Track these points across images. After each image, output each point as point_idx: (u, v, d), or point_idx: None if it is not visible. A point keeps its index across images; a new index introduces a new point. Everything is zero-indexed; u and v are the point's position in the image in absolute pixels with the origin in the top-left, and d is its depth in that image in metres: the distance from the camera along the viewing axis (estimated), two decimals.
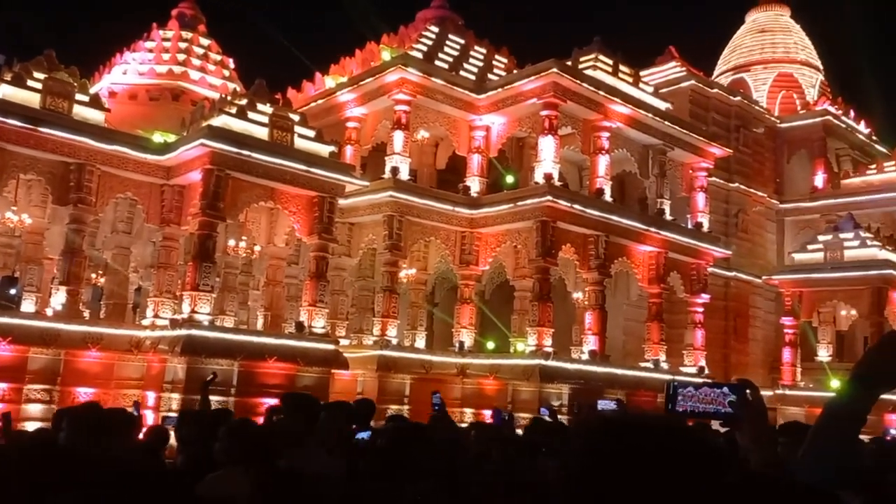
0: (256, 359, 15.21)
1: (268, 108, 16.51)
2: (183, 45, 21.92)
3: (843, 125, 30.09)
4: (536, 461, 4.87)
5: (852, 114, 31.06)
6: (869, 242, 24.12)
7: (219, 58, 22.51)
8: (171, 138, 16.72)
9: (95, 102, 16.25)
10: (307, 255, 17.49)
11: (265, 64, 24.03)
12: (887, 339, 1.82)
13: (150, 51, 21.78)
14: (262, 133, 16.04)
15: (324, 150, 16.93)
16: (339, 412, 4.59)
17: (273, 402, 15.01)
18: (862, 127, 31.36)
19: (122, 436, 3.26)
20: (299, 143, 16.49)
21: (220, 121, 15.69)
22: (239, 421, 4.22)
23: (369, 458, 2.92)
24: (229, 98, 17.04)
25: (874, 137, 31.81)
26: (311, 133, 16.93)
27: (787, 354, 25.07)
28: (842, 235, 24.52)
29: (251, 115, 16.10)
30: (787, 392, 24.23)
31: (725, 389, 2.00)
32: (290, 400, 4.52)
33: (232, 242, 17.37)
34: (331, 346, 16.51)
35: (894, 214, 26.68)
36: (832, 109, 29.80)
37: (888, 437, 7.66)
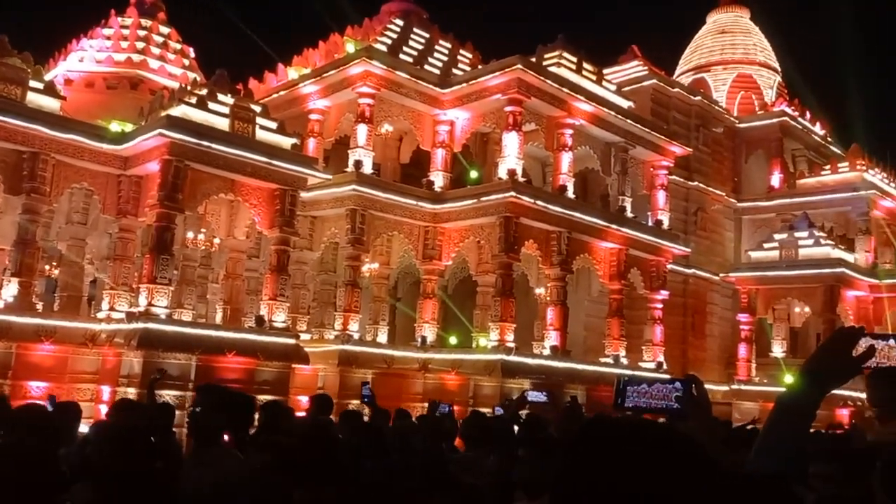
0: (215, 353, 15.01)
1: (229, 99, 16.26)
2: (142, 32, 21.48)
3: (800, 126, 30.75)
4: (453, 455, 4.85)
5: (808, 115, 31.76)
6: (822, 241, 24.72)
7: (179, 46, 22.12)
8: (129, 128, 16.37)
9: (50, 90, 15.83)
10: (268, 248, 17.29)
11: (226, 54, 23.71)
12: (837, 336, 1.86)
13: (108, 38, 21.30)
14: (223, 124, 15.80)
15: (286, 142, 16.74)
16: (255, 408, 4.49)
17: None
18: (817, 128, 32.08)
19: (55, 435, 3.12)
20: (261, 135, 16.28)
21: (179, 111, 15.41)
22: (121, 428, 3.65)
23: (276, 459, 2.83)
24: (189, 88, 16.75)
25: (829, 139, 32.57)
26: (273, 125, 16.73)
27: (742, 350, 25.60)
28: (797, 234, 25.10)
29: (211, 105, 15.83)
30: (742, 387, 24.75)
31: (677, 384, 2.03)
32: (208, 395, 3.78)
33: (191, 235, 17.11)
34: (291, 341, 16.37)
35: (847, 214, 27.35)
36: (789, 111, 30.43)
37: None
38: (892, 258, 27.36)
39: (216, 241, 17.77)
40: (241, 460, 3.31)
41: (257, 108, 16.74)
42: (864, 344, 1.96)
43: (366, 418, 6.82)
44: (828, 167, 29.07)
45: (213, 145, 15.36)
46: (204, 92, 16.12)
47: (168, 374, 14.21)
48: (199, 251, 17.71)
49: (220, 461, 3.19)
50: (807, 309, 25.27)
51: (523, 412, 6.74)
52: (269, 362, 15.66)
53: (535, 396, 6.33)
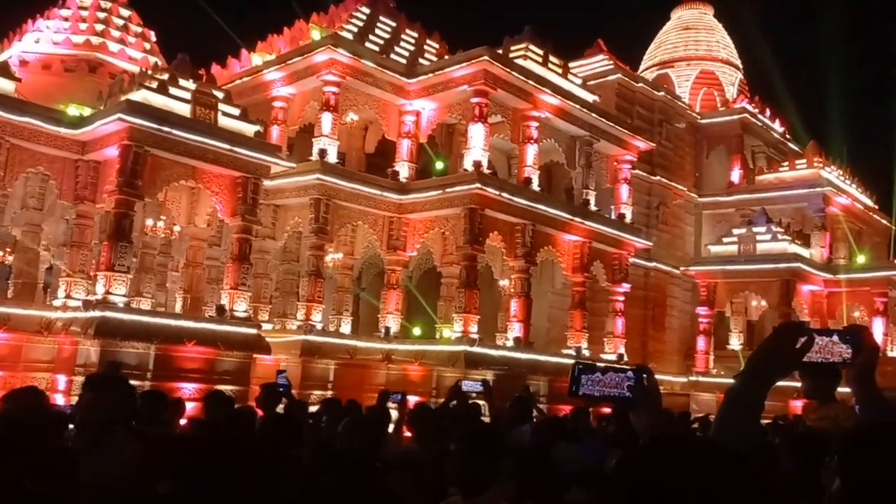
0: (174, 342, 14.78)
1: (190, 84, 15.97)
2: (101, 14, 20.96)
3: (760, 123, 31.32)
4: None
5: (768, 112, 32.35)
6: (780, 236, 25.24)
7: (139, 29, 21.65)
8: (87, 112, 15.99)
9: (4, 71, 15.40)
10: (229, 236, 17.07)
11: (188, 38, 23.22)
12: (780, 331, 1.92)
13: (66, 19, 20.75)
14: (184, 109, 15.52)
15: (249, 129, 16.51)
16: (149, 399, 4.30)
17: (192, 386, 14.74)
18: (777, 125, 32.71)
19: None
20: (223, 122, 16.03)
21: (139, 95, 15.09)
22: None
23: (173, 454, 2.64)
24: (150, 72, 16.40)
25: (787, 136, 33.24)
26: (236, 111, 16.49)
27: (701, 343, 26.06)
28: (755, 229, 25.58)
29: (173, 90, 15.54)
30: (700, 379, 25.20)
31: (629, 374, 2.05)
32: (98, 380, 3.44)
33: (150, 222, 16.83)
34: (253, 331, 16.20)
35: (804, 210, 27.97)
36: (749, 108, 30.97)
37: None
38: (847, 254, 28.10)
39: (176, 228, 17.49)
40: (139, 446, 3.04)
41: (220, 94, 16.47)
42: (817, 341, 2.04)
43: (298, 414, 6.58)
44: (786, 164, 29.69)
45: (174, 131, 15.08)
46: (165, 77, 15.82)
47: (126, 363, 14.04)
48: (158, 239, 17.43)
49: (123, 447, 2.98)
50: (763, 303, 25.80)
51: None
52: (229, 352, 15.48)
53: (471, 386, 6.17)
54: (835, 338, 2.09)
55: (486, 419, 6.78)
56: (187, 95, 15.67)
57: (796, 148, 32.02)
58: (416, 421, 5.32)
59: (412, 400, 8.45)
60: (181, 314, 16.67)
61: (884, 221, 32.13)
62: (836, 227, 28.14)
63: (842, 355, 2.06)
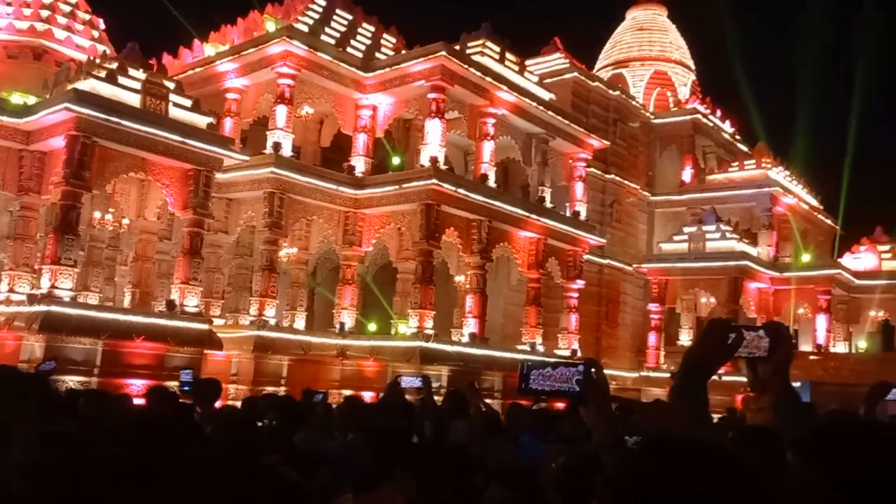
0: (123, 338, 14.44)
1: (140, 74, 15.59)
2: (47, 0, 20.29)
3: (711, 124, 31.94)
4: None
5: (719, 113, 33.02)
6: (728, 235, 25.81)
7: (87, 17, 21.01)
8: (32, 100, 15.49)
9: None
10: (180, 230, 16.73)
11: (139, 26, 22.69)
12: (710, 328, 1.99)
13: (9, 3, 20.00)
14: (134, 100, 15.15)
15: (201, 120, 16.20)
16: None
17: (141, 382, 14.41)
18: (727, 126, 33.41)
19: None
20: (174, 113, 15.69)
21: (87, 84, 14.68)
22: None
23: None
24: (98, 61, 15.96)
25: (737, 137, 33.99)
26: (188, 102, 16.15)
27: (652, 339, 26.53)
28: (705, 228, 26.12)
29: (122, 80, 15.16)
30: (651, 374, 25.65)
31: (579, 368, 2.06)
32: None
33: (98, 214, 16.41)
34: (204, 326, 15.91)
35: (752, 210, 28.64)
36: (701, 108, 31.56)
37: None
38: (793, 252, 28.88)
39: (125, 221, 17.08)
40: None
41: (171, 85, 16.12)
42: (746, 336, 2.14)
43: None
44: (735, 164, 30.36)
45: (123, 122, 14.71)
46: (114, 66, 15.41)
47: (72, 359, 13.67)
48: (106, 232, 17.03)
49: (18, 448, 2.79)
50: (712, 299, 26.36)
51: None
52: (180, 348, 15.18)
53: (410, 382, 6.00)
54: (761, 332, 2.18)
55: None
56: (137, 85, 15.30)
57: (745, 149, 32.77)
58: (345, 417, 5.16)
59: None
60: (130, 309, 16.28)
61: (828, 221, 33.11)
62: (783, 226, 28.88)
63: (766, 350, 2.13)
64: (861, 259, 28.26)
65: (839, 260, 28.22)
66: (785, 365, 2.19)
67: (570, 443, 4.51)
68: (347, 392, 17.65)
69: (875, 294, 27.67)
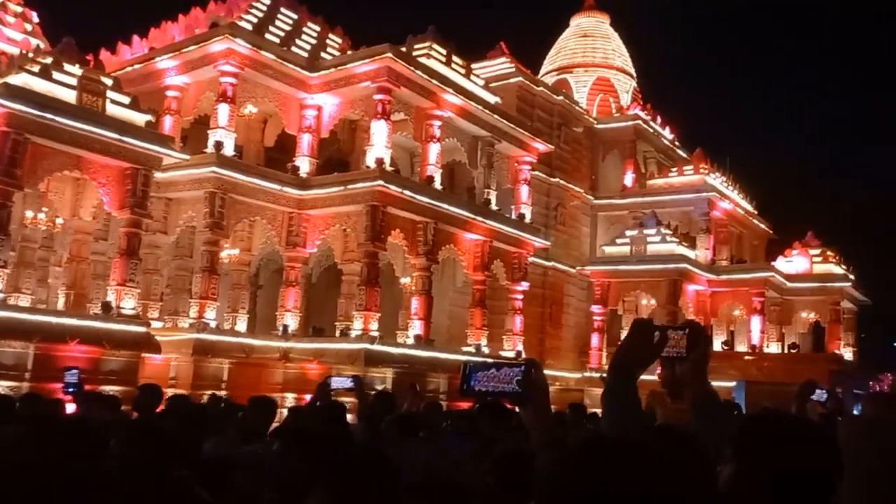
0: (56, 341, 13.96)
1: (76, 70, 15.12)
2: None
3: (651, 130, 32.64)
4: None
5: (659, 119, 33.78)
6: (668, 238, 26.42)
7: (20, 9, 20.23)
8: None
9: None
10: (117, 230, 16.27)
11: (75, 21, 21.98)
12: (635, 330, 2.04)
13: None
14: (69, 96, 14.68)
15: (139, 118, 15.79)
16: None
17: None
18: (667, 132, 34.20)
19: None
20: (112, 110, 15.26)
21: (19, 79, 14.16)
22: None
23: None
24: (31, 55, 15.40)
25: (677, 143, 34.83)
26: (126, 99, 15.73)
27: (595, 340, 26.96)
28: (645, 231, 26.67)
29: (57, 75, 14.68)
30: (594, 374, 26.04)
31: (521, 369, 2.06)
32: None
33: (30, 213, 15.84)
34: (141, 329, 15.51)
35: (690, 214, 29.37)
36: (642, 115, 32.23)
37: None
38: (729, 256, 29.73)
39: (59, 221, 16.53)
40: None
41: (108, 81, 15.68)
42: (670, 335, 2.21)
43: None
44: (675, 169, 31.09)
45: (58, 118, 14.25)
46: (48, 60, 14.92)
47: (2, 363, 13.16)
48: (39, 231, 16.44)
49: None
50: (653, 301, 26.93)
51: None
52: (116, 351, 14.76)
53: (340, 383, 5.80)
54: (679, 332, 2.23)
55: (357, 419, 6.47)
56: (73, 81, 14.84)
57: (684, 155, 33.59)
58: (262, 421, 4.99)
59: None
60: (63, 311, 15.76)
61: (762, 226, 34.19)
62: (720, 230, 29.71)
63: (684, 349, 2.18)
64: (793, 262, 29.27)
65: (773, 263, 29.17)
66: (702, 364, 2.24)
67: (489, 443, 4.44)
68: (290, 395, 17.45)
69: (806, 296, 28.71)
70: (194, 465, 3.18)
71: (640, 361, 2.01)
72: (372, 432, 5.12)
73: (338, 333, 19.40)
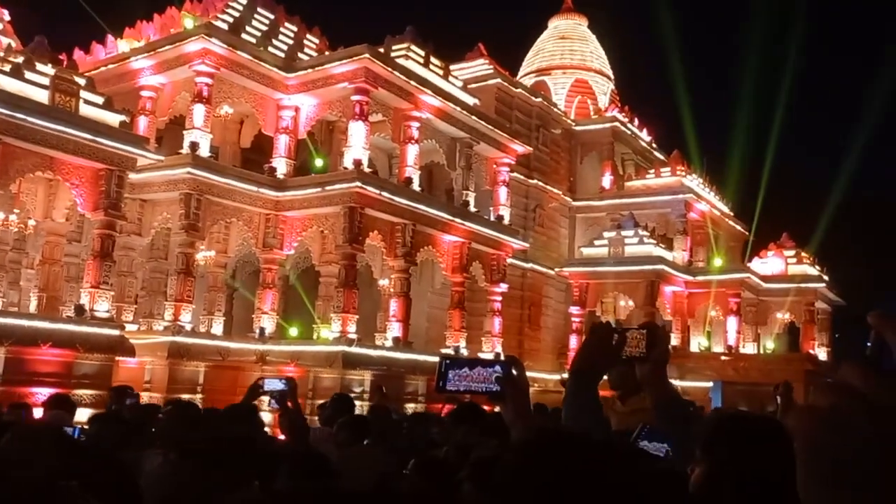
0: (28, 345, 13.72)
1: (49, 69, 14.88)
2: None
3: (629, 132, 32.84)
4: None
5: (636, 122, 33.99)
6: (646, 240, 26.58)
7: None
8: None
9: None
10: (91, 232, 16.05)
11: (48, 20, 21.68)
12: (592, 333, 2.04)
13: None
14: (42, 96, 14.44)
15: (113, 118, 15.58)
16: None
17: (47, 391, 13.72)
18: (644, 134, 34.42)
19: None
20: (85, 110, 15.04)
21: None
22: None
23: None
24: (2, 54, 15.14)
25: (654, 145, 35.07)
26: (100, 100, 15.52)
27: (573, 341, 26.99)
28: (623, 233, 26.81)
29: (28, 74, 14.43)
30: None
31: (497, 367, 2.04)
32: None
33: (2, 215, 15.58)
34: (115, 332, 15.29)
35: (667, 215, 29.58)
36: (620, 117, 32.41)
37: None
38: (706, 257, 29.98)
39: (31, 223, 16.27)
40: None
41: (82, 81, 15.45)
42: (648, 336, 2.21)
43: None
44: (652, 171, 31.30)
45: (29, 118, 14.00)
46: (20, 60, 14.66)
47: None
48: (11, 233, 16.19)
49: None
50: (630, 302, 27.07)
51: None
52: (89, 355, 14.54)
53: (273, 385, 5.53)
54: (644, 332, 2.21)
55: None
56: (45, 81, 14.59)
57: (661, 157, 33.82)
58: (172, 428, 4.67)
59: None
60: (36, 314, 15.49)
61: (739, 227, 34.52)
62: (697, 231, 29.94)
63: (644, 350, 2.17)
64: (768, 264, 29.59)
65: (748, 265, 29.45)
66: (662, 364, 2.23)
67: (465, 449, 4.33)
68: (266, 399, 17.25)
69: (781, 297, 29.03)
70: (108, 476, 2.95)
71: (600, 364, 2.02)
72: (301, 441, 4.87)
73: (315, 336, 19.28)
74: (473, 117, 21.92)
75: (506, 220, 23.40)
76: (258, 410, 5.46)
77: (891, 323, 0.56)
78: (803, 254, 29.58)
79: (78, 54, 20.11)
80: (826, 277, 29.39)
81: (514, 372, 2.05)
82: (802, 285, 28.73)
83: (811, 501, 0.49)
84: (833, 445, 0.48)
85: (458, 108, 21.30)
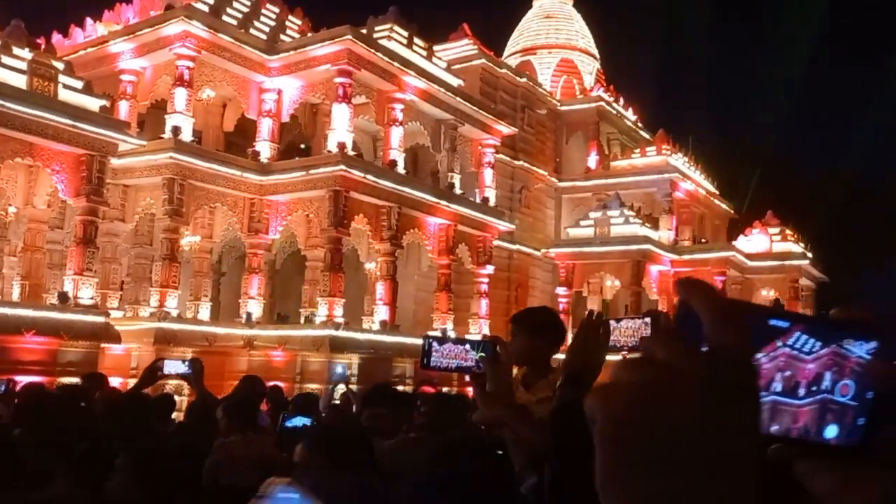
0: (11, 333, 13.63)
1: (27, 54, 14.67)
2: None
3: (614, 111, 32.80)
4: None
5: (622, 101, 33.95)
6: (631, 220, 26.65)
7: None
8: None
9: None
10: (73, 218, 15.90)
11: (25, 3, 21.31)
12: (586, 329, 1.96)
13: None
14: (20, 81, 14.23)
15: (93, 103, 15.39)
16: None
17: (30, 379, 13.64)
18: (630, 114, 34.41)
19: None
20: (64, 95, 14.85)
21: None
22: None
23: None
24: None
25: (640, 124, 35.07)
26: (79, 84, 15.31)
27: None
28: (609, 213, 26.87)
29: (6, 59, 14.22)
30: (561, 356, 26.24)
31: (480, 346, 2.03)
32: None
33: None
34: (100, 319, 15.21)
35: (653, 195, 29.65)
36: (605, 96, 32.35)
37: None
38: (691, 236, 30.12)
39: (12, 209, 16.11)
40: None
41: (60, 66, 15.24)
42: (627, 325, 2.12)
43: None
44: (637, 151, 31.32)
45: (8, 104, 13.82)
46: None
47: None
48: None
49: None
50: (617, 282, 27.19)
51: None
52: (74, 342, 14.47)
53: (174, 367, 4.95)
54: (646, 320, 2.15)
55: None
56: (23, 66, 14.39)
57: (647, 136, 33.84)
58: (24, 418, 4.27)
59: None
60: (19, 302, 15.37)
61: (724, 206, 34.69)
62: (682, 210, 30.05)
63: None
64: (753, 241, 29.77)
65: (734, 243, 29.62)
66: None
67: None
68: None
69: (766, 274, 29.25)
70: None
71: (595, 366, 1.86)
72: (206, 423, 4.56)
73: (302, 320, 19.26)
74: (458, 98, 21.82)
75: (492, 202, 23.38)
76: (147, 397, 5.05)
77: (698, 291, 0.51)
78: (787, 231, 29.78)
79: (56, 38, 19.83)
80: (809, 254, 29.63)
81: (498, 350, 2.04)
82: (786, 262, 28.96)
83: (616, 491, 0.44)
84: (647, 425, 0.44)
85: (443, 90, 21.18)
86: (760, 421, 0.48)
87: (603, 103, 31.73)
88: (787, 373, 0.53)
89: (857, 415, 0.54)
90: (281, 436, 4.00)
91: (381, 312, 19.22)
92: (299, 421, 4.02)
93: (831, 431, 0.54)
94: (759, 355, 0.53)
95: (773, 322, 0.53)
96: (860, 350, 0.54)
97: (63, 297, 14.94)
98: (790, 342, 0.53)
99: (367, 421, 4.09)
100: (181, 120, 17.49)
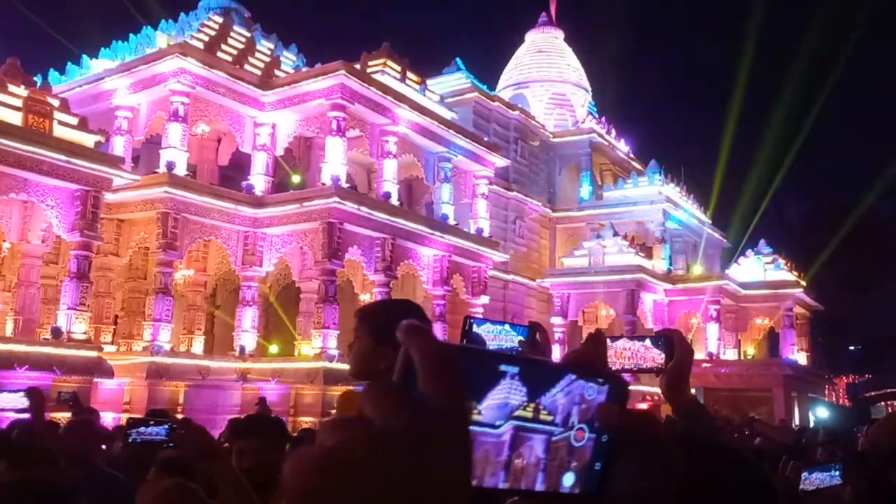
0: (4, 368, 13.57)
1: (22, 91, 14.84)
2: None
3: (606, 143, 33.13)
4: None
5: (614, 132, 34.30)
6: (625, 249, 26.77)
7: None
8: None
9: None
10: (67, 253, 15.95)
11: (22, 41, 21.61)
12: (587, 342, 1.90)
13: None
14: (15, 118, 14.39)
15: (88, 139, 15.54)
16: None
17: (24, 416, 13.56)
18: (622, 145, 34.74)
19: None
20: (59, 131, 15.00)
21: None
22: None
23: None
24: None
25: (632, 155, 35.39)
26: (74, 120, 15.48)
27: (556, 352, 27.08)
28: (603, 243, 27.00)
29: (2, 97, 14.40)
30: None
31: (522, 330, 2.10)
32: None
33: None
34: (92, 353, 15.18)
35: (645, 224, 29.83)
36: (597, 128, 32.71)
37: None
38: (684, 265, 30.24)
39: (6, 245, 16.15)
40: None
41: (55, 102, 15.42)
42: (629, 347, 2.03)
43: None
44: (630, 181, 31.56)
45: (3, 140, 13.95)
46: None
47: None
48: None
49: None
50: (612, 312, 27.21)
51: None
52: (67, 377, 14.40)
53: (7, 401, 4.48)
54: (647, 343, 2.02)
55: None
56: (18, 102, 14.56)
57: (638, 166, 34.13)
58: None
59: None
60: (12, 337, 15.33)
61: (716, 235, 34.86)
62: (675, 239, 30.20)
63: (655, 361, 1.89)
64: (746, 270, 29.87)
65: (727, 272, 29.71)
66: (677, 376, 1.80)
67: None
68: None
69: (760, 303, 29.31)
70: None
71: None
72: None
73: (296, 352, 19.21)
74: (451, 131, 22.03)
75: (486, 233, 23.48)
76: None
77: (414, 338, 0.48)
78: (780, 259, 29.90)
79: (53, 75, 20.04)
80: (803, 283, 29.72)
81: (538, 337, 2.07)
82: (780, 291, 29.03)
83: None
84: (333, 489, 0.42)
85: (436, 123, 21.41)
86: (469, 475, 0.48)
87: (595, 135, 32.06)
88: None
89: (594, 459, 0.55)
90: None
91: None
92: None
93: (568, 480, 0.54)
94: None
95: (502, 367, 0.53)
96: (595, 393, 0.56)
97: (56, 331, 14.92)
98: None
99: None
100: (176, 155, 17.63)
